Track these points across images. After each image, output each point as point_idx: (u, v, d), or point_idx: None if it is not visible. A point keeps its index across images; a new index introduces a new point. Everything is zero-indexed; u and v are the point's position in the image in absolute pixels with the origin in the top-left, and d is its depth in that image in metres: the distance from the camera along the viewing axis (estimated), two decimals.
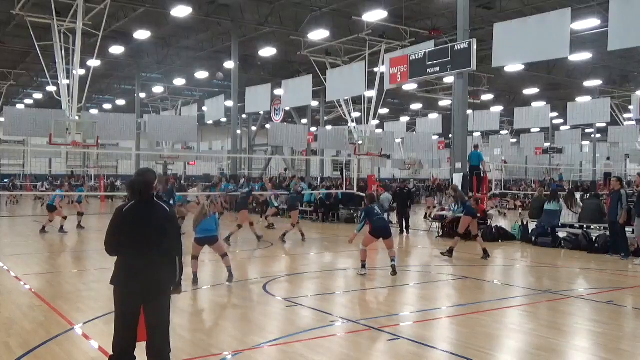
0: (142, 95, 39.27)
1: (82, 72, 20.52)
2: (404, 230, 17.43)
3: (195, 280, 8.83)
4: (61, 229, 16.26)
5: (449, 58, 16.14)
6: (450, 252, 12.15)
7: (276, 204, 20.78)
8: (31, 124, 18.84)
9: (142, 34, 25.64)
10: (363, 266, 9.98)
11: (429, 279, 10.24)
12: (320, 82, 25.53)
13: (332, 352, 5.69)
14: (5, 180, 42.10)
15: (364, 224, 10.06)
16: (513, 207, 29.37)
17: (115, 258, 4.30)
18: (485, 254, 12.09)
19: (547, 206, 14.60)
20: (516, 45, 15.58)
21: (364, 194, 18.53)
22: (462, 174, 17.28)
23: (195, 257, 9.00)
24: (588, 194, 19.31)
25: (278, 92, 30.26)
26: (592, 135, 44.16)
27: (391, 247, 10.08)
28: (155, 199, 4.41)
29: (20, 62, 33.75)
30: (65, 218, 16.55)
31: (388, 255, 10.12)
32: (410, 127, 45.12)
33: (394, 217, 20.41)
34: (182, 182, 38.81)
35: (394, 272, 9.81)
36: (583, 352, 5.92)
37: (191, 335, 6.15)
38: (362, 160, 25.75)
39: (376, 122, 28.86)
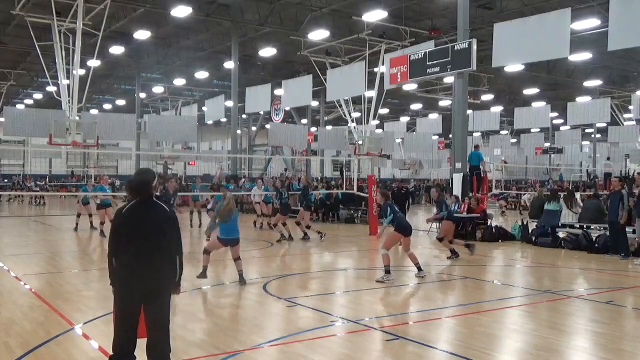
0: (142, 95, 39.29)
1: (82, 72, 20.50)
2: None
3: (203, 274, 8.86)
4: (101, 232, 15.45)
5: (449, 58, 16.15)
6: (453, 253, 12.07)
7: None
8: (31, 124, 18.81)
9: (142, 34, 25.65)
10: (387, 271, 9.32)
11: (429, 279, 10.23)
12: (320, 82, 25.52)
13: (332, 352, 5.69)
14: (6, 181, 42.04)
15: (392, 217, 9.49)
16: (513, 207, 29.40)
17: (111, 259, 4.31)
18: (454, 254, 12.01)
19: (547, 206, 14.60)
20: (516, 45, 15.59)
21: (365, 194, 18.64)
22: (462, 174, 17.29)
23: (208, 252, 9.03)
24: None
25: (278, 92, 30.27)
26: (592, 135, 44.18)
27: (409, 249, 9.86)
28: (155, 199, 4.41)
29: (20, 62, 33.77)
30: (102, 223, 15.45)
31: (408, 257, 9.92)
32: (410, 127, 45.11)
33: None
34: (183, 182, 38.80)
35: (421, 276, 9.74)
36: (583, 352, 5.91)
37: (191, 335, 6.15)
38: (362, 160, 25.75)
39: (376, 122, 28.88)
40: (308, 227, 15.24)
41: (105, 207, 15.77)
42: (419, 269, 9.81)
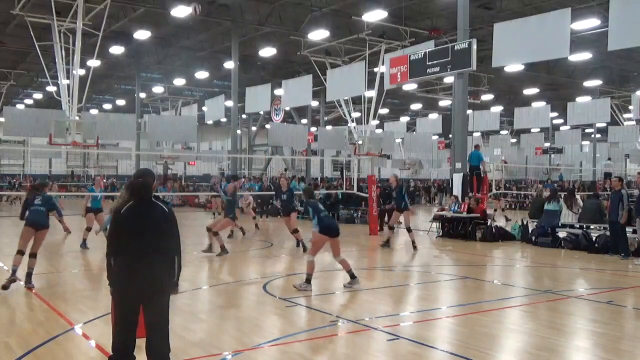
0: (142, 95, 39.29)
1: (82, 72, 20.49)
2: (384, 227, 17.66)
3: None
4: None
5: (449, 58, 16.13)
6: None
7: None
8: (31, 124, 18.82)
9: (142, 34, 25.64)
10: (308, 281, 8.42)
11: (429, 279, 10.24)
12: (320, 82, 25.52)
13: (332, 352, 5.69)
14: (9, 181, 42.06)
15: (317, 218, 8.56)
16: (513, 207, 29.42)
17: (110, 259, 4.31)
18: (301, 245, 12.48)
19: (547, 206, 14.59)
20: (516, 45, 15.58)
21: (365, 194, 18.64)
22: (462, 174, 17.29)
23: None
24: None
25: (278, 92, 30.26)
26: (592, 135, 44.20)
27: (338, 253, 8.69)
28: (154, 199, 4.41)
29: (20, 62, 33.75)
30: (88, 229, 13.52)
31: (339, 264, 8.77)
32: (410, 127, 45.13)
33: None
34: (183, 182, 38.84)
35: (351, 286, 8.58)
36: (583, 352, 5.92)
37: (191, 335, 6.15)
38: (362, 160, 25.75)
39: (376, 122, 28.88)
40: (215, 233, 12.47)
41: (95, 212, 13.58)
42: (352, 276, 8.68)
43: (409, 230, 13.68)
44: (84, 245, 13.25)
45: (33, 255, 8.61)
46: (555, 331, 6.45)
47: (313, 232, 8.72)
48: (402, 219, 13.94)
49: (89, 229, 13.47)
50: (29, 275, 8.58)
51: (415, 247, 13.43)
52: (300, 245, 12.93)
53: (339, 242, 8.66)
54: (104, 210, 13.46)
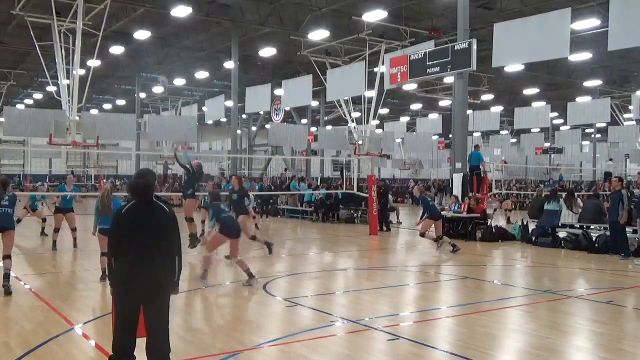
0: (142, 95, 39.28)
1: (82, 72, 20.47)
2: (383, 227, 18.07)
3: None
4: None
5: (449, 58, 16.13)
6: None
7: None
8: (31, 124, 18.77)
9: (142, 34, 25.64)
10: (204, 276, 9.00)
11: (429, 279, 10.23)
12: (320, 82, 25.51)
13: (332, 352, 5.69)
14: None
15: (215, 221, 9.00)
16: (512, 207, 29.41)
17: (112, 259, 4.31)
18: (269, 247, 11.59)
19: (547, 206, 14.59)
20: (516, 45, 15.58)
21: (365, 194, 18.65)
22: (462, 174, 17.30)
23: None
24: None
25: (278, 92, 30.25)
26: (592, 135, 44.21)
27: (236, 255, 8.95)
28: (155, 199, 4.42)
29: (20, 62, 33.75)
30: (57, 231, 13.33)
31: (236, 265, 9.09)
32: (410, 127, 45.11)
33: (394, 217, 20.58)
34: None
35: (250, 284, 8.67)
36: (583, 352, 5.92)
37: (191, 335, 6.15)
38: (362, 160, 25.75)
39: (376, 122, 28.84)
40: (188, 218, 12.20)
41: (65, 211, 13.14)
42: (250, 275, 8.81)
43: (438, 238, 13.33)
44: (54, 246, 12.98)
45: (7, 257, 8.28)
46: (555, 331, 6.45)
47: (210, 232, 9.34)
48: (421, 225, 13.57)
49: (57, 230, 13.16)
50: (6, 276, 8.21)
51: (455, 248, 12.92)
52: (266, 247, 12.00)
53: (238, 243, 8.98)
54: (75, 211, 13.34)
